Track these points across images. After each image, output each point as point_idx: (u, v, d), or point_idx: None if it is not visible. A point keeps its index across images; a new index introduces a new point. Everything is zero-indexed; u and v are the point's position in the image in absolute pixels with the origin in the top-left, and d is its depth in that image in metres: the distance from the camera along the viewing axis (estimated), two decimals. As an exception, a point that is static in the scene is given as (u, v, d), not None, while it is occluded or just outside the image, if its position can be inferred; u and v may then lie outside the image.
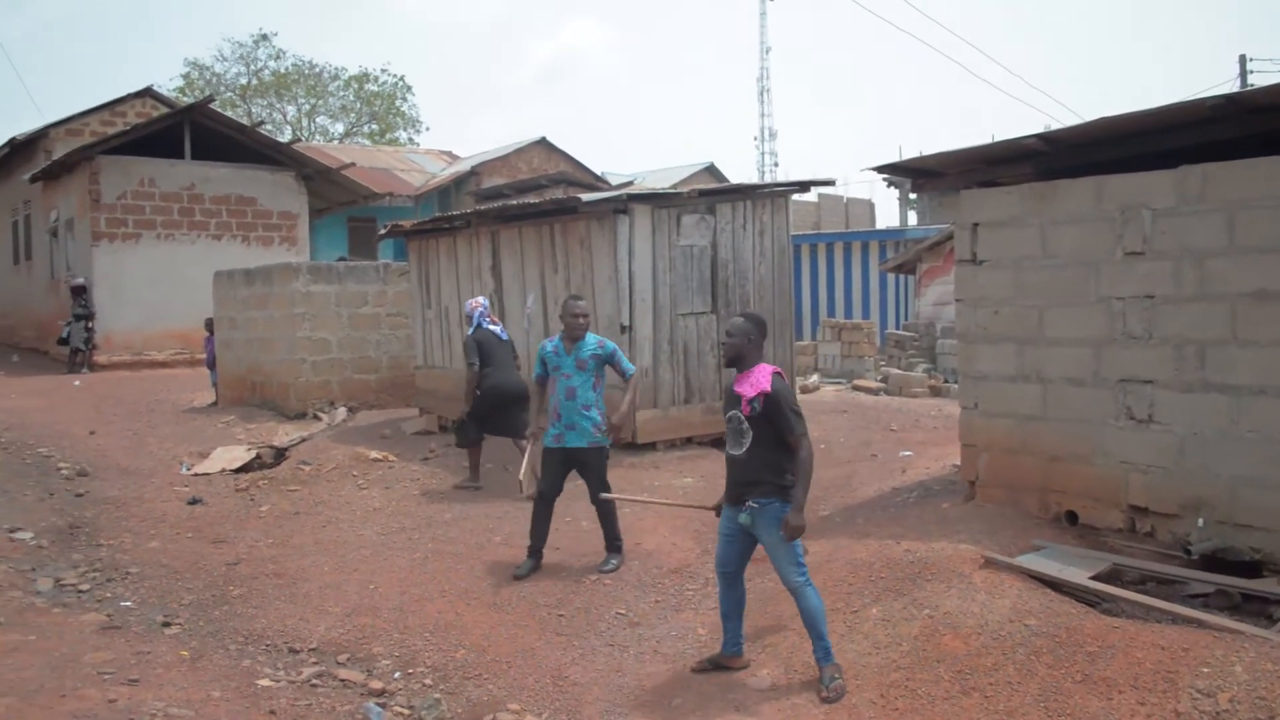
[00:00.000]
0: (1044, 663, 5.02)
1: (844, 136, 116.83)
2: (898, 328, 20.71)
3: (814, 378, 16.87)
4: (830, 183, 13.42)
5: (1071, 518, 6.87)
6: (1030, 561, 6.04)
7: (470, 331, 9.59)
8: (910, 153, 13.33)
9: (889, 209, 75.17)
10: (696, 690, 5.43)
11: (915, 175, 8.25)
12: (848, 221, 32.99)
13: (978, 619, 5.49)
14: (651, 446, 10.39)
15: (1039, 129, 7.06)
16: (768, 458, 5.26)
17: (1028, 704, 4.79)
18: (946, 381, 15.86)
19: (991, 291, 7.33)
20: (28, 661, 5.24)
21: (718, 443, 10.90)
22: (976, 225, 7.42)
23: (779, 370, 5.39)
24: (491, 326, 9.66)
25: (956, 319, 7.87)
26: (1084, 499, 6.82)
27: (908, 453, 10.09)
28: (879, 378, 16.99)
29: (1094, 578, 5.82)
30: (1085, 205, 6.77)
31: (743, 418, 5.28)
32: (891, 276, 22.37)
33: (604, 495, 7.14)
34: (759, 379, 5.26)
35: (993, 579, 5.85)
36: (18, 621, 6.03)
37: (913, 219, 32.19)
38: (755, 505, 5.29)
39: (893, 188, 29.38)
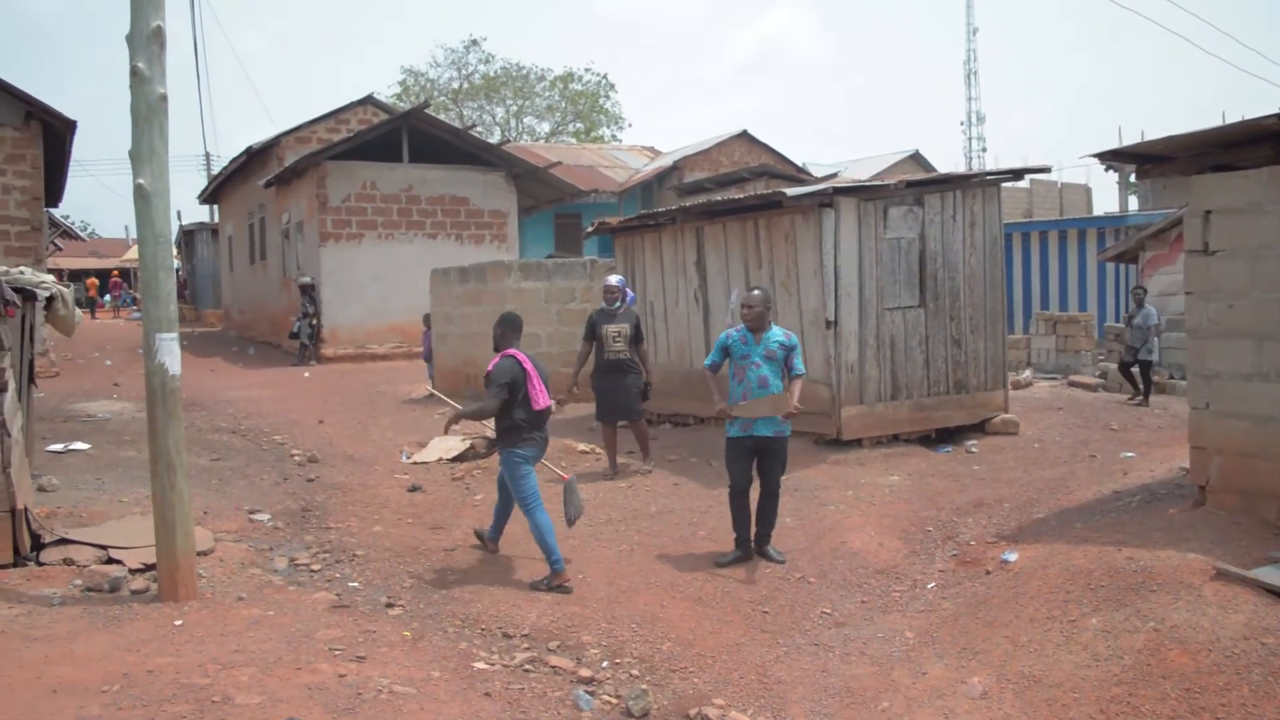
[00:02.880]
0: (1285, 684, 4.70)
1: (1055, 118, 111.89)
2: (1118, 320, 19.63)
3: (1026, 373, 16.20)
4: (1046, 170, 12.86)
5: (1316, 528, 6.38)
6: (1268, 575, 5.64)
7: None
8: (1130, 135, 12.61)
9: (1107, 194, 71.46)
10: (904, 694, 5.35)
11: (1140, 161, 7.81)
12: (1062, 209, 31.48)
13: (1208, 634, 5.18)
14: (857, 443, 10.24)
15: (1278, 107, 6.56)
16: (500, 416, 7.06)
17: (1266, 727, 4.49)
18: (1172, 378, 14.97)
19: (1225, 283, 6.89)
20: (266, 635, 5.66)
21: (925, 440, 10.66)
22: (1209, 213, 6.98)
23: (514, 354, 7.04)
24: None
25: (1186, 313, 7.42)
26: (1331, 508, 6.33)
27: (1129, 454, 9.59)
28: (1097, 373, 16.20)
29: (1343, 594, 5.40)
30: (1334, 190, 6.27)
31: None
32: (1110, 266, 21.15)
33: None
34: (493, 361, 7.05)
35: (1225, 592, 5.51)
36: (258, 597, 6.51)
37: (1133, 204, 30.44)
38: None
39: (1111, 171, 27.83)
